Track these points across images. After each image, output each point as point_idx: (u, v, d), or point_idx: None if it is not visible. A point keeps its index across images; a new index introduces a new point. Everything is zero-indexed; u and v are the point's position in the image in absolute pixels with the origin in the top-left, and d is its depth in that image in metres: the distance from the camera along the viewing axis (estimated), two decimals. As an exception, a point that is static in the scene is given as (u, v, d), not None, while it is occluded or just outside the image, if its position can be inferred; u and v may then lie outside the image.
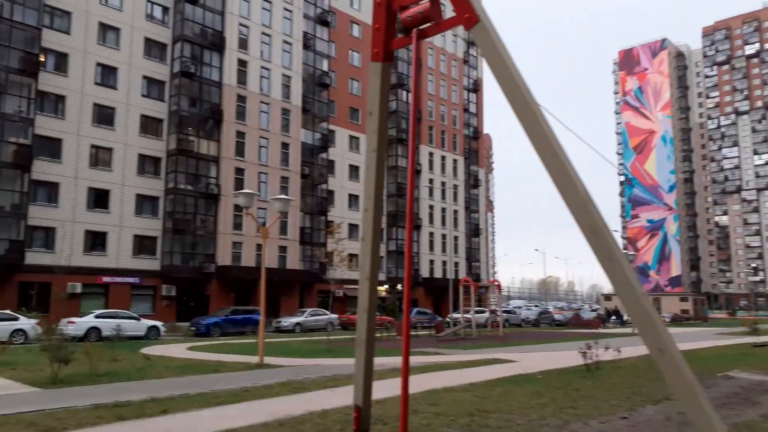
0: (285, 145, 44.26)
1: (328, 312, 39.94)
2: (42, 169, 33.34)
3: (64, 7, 35.09)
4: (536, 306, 74.34)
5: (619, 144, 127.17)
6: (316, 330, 36.44)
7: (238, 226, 40.67)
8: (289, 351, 19.63)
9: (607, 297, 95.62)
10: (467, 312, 26.75)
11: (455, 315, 38.93)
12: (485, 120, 64.88)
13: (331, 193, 48.60)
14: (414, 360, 14.78)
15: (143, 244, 37.58)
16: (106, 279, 35.42)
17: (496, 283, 28.40)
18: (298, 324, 35.60)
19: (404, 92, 54.94)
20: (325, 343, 21.20)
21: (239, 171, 41.13)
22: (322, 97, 48.05)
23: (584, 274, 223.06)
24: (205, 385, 10.84)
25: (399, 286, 52.26)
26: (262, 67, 43.19)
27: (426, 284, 54.88)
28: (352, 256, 49.02)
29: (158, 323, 29.27)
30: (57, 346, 11.31)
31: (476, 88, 63.75)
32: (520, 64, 3.74)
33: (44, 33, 33.68)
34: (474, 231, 61.08)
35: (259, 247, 41.93)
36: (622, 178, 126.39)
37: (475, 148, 62.34)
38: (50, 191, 34.09)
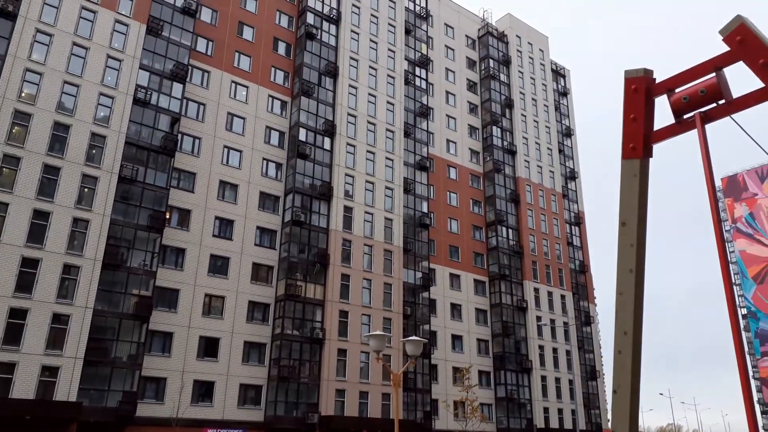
0: (387, 286, 43.88)
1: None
2: (159, 320, 34.45)
3: (190, 169, 38.52)
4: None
5: (736, 274, 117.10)
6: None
7: (341, 371, 39.34)
8: None
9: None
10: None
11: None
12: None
13: (433, 333, 46.74)
14: None
15: (248, 394, 36.87)
16: (211, 431, 34.47)
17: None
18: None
19: (504, 228, 54.23)
20: None
21: (343, 314, 40.73)
22: (423, 237, 48.28)
23: (713, 420, 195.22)
24: None
25: (512, 439, 47.31)
26: (366, 212, 44.49)
27: (542, 436, 49.38)
28: (457, 404, 45.58)
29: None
30: None
31: (578, 221, 62.09)
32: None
33: (171, 192, 36.75)
34: (590, 373, 55.76)
35: (363, 395, 39.98)
36: (745, 311, 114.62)
37: (583, 283, 59.10)
38: (164, 341, 34.86)
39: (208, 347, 36.04)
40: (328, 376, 38.54)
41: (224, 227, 39.06)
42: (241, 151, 41.16)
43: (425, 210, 49.39)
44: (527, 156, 59.17)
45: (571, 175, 64.63)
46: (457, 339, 48.69)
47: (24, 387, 28.32)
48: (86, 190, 32.96)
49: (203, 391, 35.25)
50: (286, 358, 37.49)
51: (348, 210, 43.51)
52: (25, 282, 29.75)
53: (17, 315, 29.09)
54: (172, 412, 32.10)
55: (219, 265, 38.00)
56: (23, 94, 32.19)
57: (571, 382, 52.93)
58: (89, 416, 29.60)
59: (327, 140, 44.48)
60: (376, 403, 40.15)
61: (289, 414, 36.70)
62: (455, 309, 49.59)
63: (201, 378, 35.15)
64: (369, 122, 47.22)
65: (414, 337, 13.35)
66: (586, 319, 57.57)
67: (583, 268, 60.34)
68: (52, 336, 29.79)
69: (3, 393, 26.61)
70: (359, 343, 40.70)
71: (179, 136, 37.97)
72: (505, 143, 58.08)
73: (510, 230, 54.72)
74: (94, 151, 33.79)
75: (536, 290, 53.93)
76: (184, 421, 32.28)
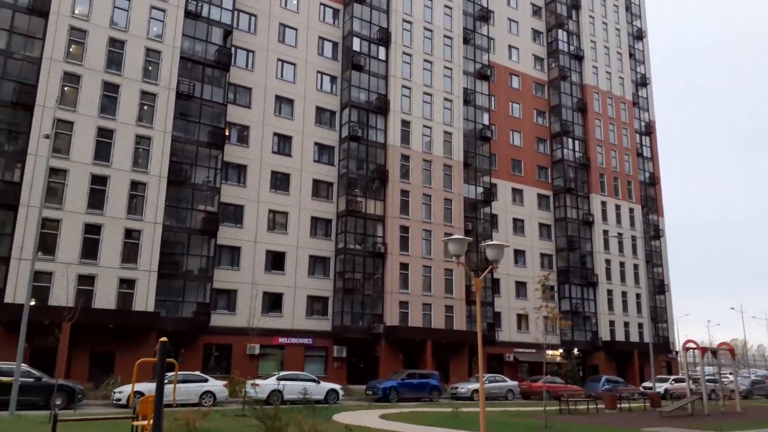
0: (448, 201, 43.02)
1: (506, 378, 36.62)
2: (226, 235, 35.11)
3: (246, 84, 37.85)
4: (731, 374, 63.56)
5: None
6: (496, 399, 33.31)
7: (404, 284, 39.53)
8: (502, 428, 17.00)
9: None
10: (694, 381, 22.20)
11: (660, 384, 33.65)
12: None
13: (495, 249, 45.95)
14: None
15: (315, 305, 37.74)
16: (281, 340, 35.73)
17: (728, 347, 23.32)
18: (476, 391, 32.75)
19: (569, 140, 51.66)
20: (539, 417, 18.27)
21: (404, 229, 40.42)
22: (484, 151, 46.57)
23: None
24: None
25: (576, 351, 47.17)
26: (424, 126, 43.00)
27: (607, 348, 49.07)
28: (520, 317, 45.48)
29: (337, 386, 28.32)
30: (271, 416, 10.08)
31: (649, 131, 58.44)
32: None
33: (229, 108, 36.35)
34: (658, 287, 54.22)
35: (426, 306, 40.26)
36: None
37: (652, 196, 56.37)
38: (233, 255, 35.68)
39: (275, 261, 36.72)
40: (392, 288, 38.84)
41: (283, 143, 38.67)
42: (294, 65, 39.96)
43: (486, 122, 47.34)
44: (595, 61, 55.22)
45: (642, 82, 60.20)
46: (519, 254, 47.89)
47: (104, 298, 29.75)
48: (145, 107, 32.90)
49: (272, 302, 36.25)
50: (350, 272, 37.86)
51: (405, 124, 42.12)
52: (96, 200, 30.53)
53: (92, 231, 30.12)
54: (243, 322, 33.18)
55: (280, 182, 37.99)
56: (76, 11, 31.72)
57: (638, 296, 51.72)
58: (167, 326, 30.94)
59: (382, 50, 42.52)
60: (439, 315, 40.47)
61: (356, 324, 37.50)
62: (517, 224, 48.45)
63: (269, 290, 36.07)
64: (425, 28, 44.69)
65: (494, 242, 12.49)
66: (655, 232, 55.33)
67: (653, 180, 57.37)
68: (126, 250, 30.84)
69: (86, 303, 27.98)
70: (420, 257, 40.59)
71: (232, 49, 37.05)
72: (572, 48, 54.21)
73: (576, 141, 52.07)
74: (150, 68, 33.42)
75: (603, 204, 51.85)
76: (257, 330, 33.38)
